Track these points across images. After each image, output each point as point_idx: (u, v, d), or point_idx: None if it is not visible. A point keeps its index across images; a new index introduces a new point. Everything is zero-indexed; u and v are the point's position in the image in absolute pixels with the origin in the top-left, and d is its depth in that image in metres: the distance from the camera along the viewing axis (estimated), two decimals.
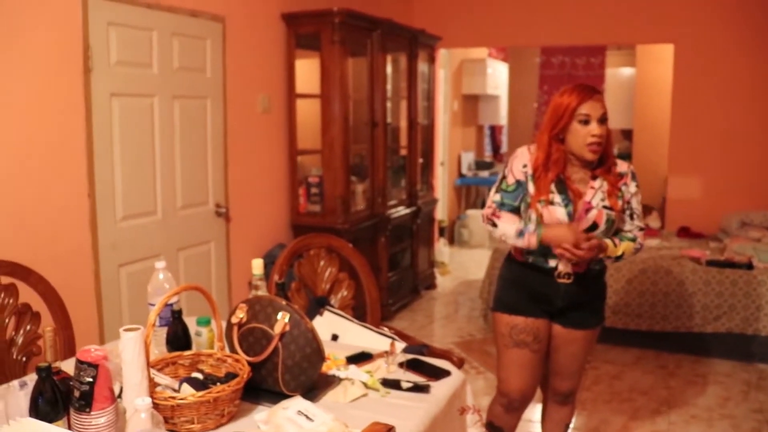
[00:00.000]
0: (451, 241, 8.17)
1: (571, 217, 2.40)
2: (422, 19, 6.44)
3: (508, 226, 2.46)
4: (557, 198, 2.40)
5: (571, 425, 2.87)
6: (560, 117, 2.36)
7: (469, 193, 8.88)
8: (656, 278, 4.65)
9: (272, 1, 4.40)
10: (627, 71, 7.99)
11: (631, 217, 2.52)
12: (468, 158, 8.63)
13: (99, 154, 3.17)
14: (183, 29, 3.61)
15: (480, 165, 8.83)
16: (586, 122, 2.33)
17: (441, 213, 7.68)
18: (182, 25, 3.61)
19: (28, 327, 2.32)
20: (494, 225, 2.49)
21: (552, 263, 2.46)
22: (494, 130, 9.89)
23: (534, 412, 3.18)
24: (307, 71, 4.77)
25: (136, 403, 1.36)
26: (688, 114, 5.94)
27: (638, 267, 4.69)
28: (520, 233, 2.42)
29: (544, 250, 2.44)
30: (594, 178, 2.43)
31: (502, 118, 9.46)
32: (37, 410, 1.50)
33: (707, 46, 5.77)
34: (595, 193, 2.42)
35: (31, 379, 1.59)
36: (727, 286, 4.50)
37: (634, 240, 2.51)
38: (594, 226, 2.41)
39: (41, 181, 2.92)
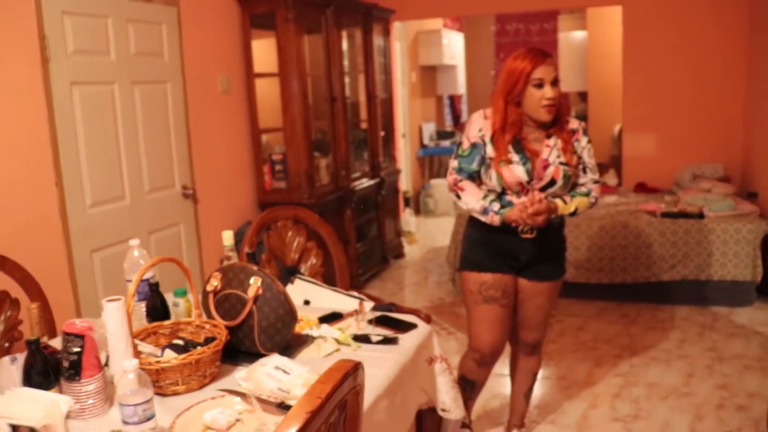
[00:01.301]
0: (417, 211, 8.32)
1: (530, 174, 2.52)
2: None
3: (472, 200, 2.59)
4: (515, 157, 2.53)
5: (539, 374, 3.02)
6: (515, 82, 2.47)
7: (432, 163, 9.01)
8: (614, 233, 4.84)
9: None
10: (579, 35, 8.15)
11: (584, 171, 2.65)
12: (429, 129, 8.75)
13: (63, 143, 3.22)
14: (137, 15, 3.65)
15: (441, 135, 8.96)
16: (540, 86, 2.45)
17: (405, 184, 7.82)
18: (136, 11, 3.64)
19: (9, 313, 2.39)
20: (458, 196, 2.63)
21: None
22: (453, 100, 10.02)
23: (503, 366, 3.34)
24: (264, 51, 4.83)
25: (124, 365, 1.47)
26: (639, 74, 6.11)
27: (597, 223, 4.88)
28: (485, 211, 2.56)
29: (508, 205, 2.57)
30: (548, 137, 2.56)
31: (461, 87, 9.59)
32: (30, 381, 1.60)
33: (654, 6, 5.94)
34: (551, 151, 2.54)
35: (20, 355, 1.69)
36: (680, 236, 4.71)
37: (588, 194, 2.65)
38: (552, 182, 2.54)
39: (8, 173, 2.96)
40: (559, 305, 4.86)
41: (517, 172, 2.51)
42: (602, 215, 4.94)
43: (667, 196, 5.58)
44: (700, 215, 4.79)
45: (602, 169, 6.35)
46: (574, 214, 2.63)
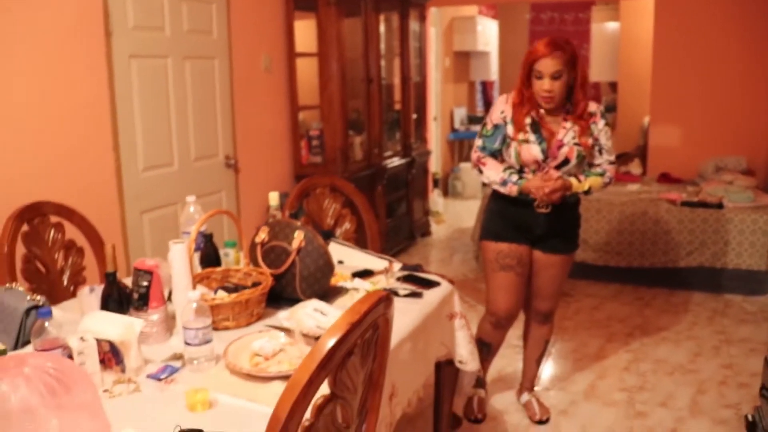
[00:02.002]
0: (446, 193, 8.53)
1: (545, 153, 2.74)
2: None
3: (492, 173, 2.82)
4: (531, 137, 2.75)
5: (551, 344, 3.24)
6: (522, 70, 2.71)
7: (462, 147, 9.21)
8: (634, 219, 5.02)
9: None
10: (612, 26, 8.25)
11: (600, 152, 2.84)
12: (460, 113, 8.94)
13: (121, 112, 3.50)
14: None
15: (472, 120, 9.14)
16: (539, 77, 2.66)
17: (435, 165, 8.03)
18: None
19: (75, 259, 2.68)
20: (480, 171, 2.86)
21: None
22: (485, 86, 10.18)
23: (518, 337, 3.56)
24: (306, 32, 5.07)
25: (189, 295, 1.73)
26: (668, 66, 6.24)
27: (618, 209, 5.06)
28: (504, 182, 2.78)
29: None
30: (566, 119, 2.77)
31: (493, 73, 9.74)
32: (107, 308, 1.87)
33: (686, 0, 6.05)
34: (566, 132, 2.75)
35: (97, 286, 1.96)
36: (698, 224, 4.88)
37: (602, 174, 2.85)
38: (566, 161, 2.76)
39: (72, 137, 3.25)
40: (577, 286, 5.07)
41: (533, 150, 2.72)
42: (623, 202, 5.12)
43: (689, 187, 5.72)
44: (720, 205, 4.94)
45: (627, 158, 6.52)
46: (588, 192, 2.83)
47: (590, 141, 2.78)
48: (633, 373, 3.65)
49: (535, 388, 3.33)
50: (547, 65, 2.64)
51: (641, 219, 5.00)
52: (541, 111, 2.75)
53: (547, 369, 3.71)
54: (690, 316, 4.48)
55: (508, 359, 3.74)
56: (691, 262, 4.91)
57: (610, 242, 5.07)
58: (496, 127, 2.82)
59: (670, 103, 6.31)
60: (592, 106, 2.81)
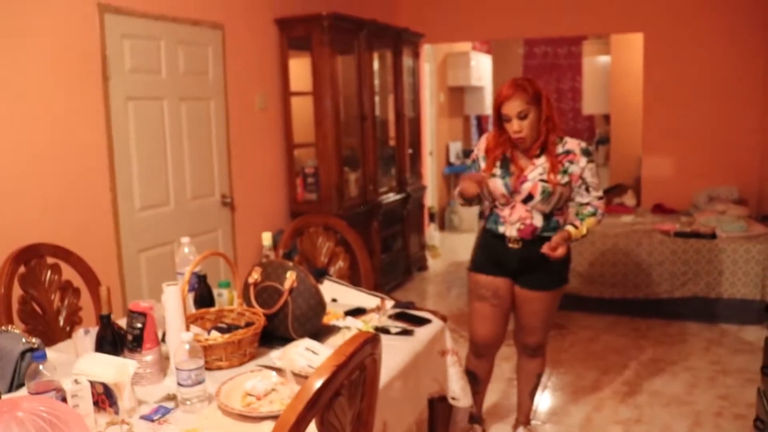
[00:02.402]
0: (442, 227, 8.58)
1: (508, 187, 2.79)
2: (407, 17, 6.83)
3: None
4: (498, 171, 2.82)
5: (546, 377, 3.26)
6: (494, 112, 2.79)
7: (458, 181, 9.26)
8: (628, 250, 5.06)
9: (266, 7, 4.79)
10: (603, 59, 8.37)
11: (587, 190, 2.87)
12: (456, 147, 9.04)
13: (118, 152, 3.56)
14: (187, 37, 4.00)
15: (467, 154, 9.22)
16: (507, 120, 2.72)
17: (431, 200, 8.09)
18: (186, 33, 3.99)
19: (71, 300, 2.71)
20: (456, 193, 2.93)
21: (501, 230, 2.85)
22: (481, 120, 10.29)
23: (513, 370, 3.58)
24: (300, 70, 5.16)
25: (182, 336, 1.76)
26: (659, 98, 6.34)
27: (612, 240, 5.11)
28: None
29: (496, 218, 2.87)
30: (537, 156, 2.81)
31: (488, 107, 9.83)
32: (101, 350, 1.90)
33: (674, 34, 6.17)
34: (535, 169, 2.79)
35: (92, 328, 1.99)
36: (692, 255, 4.92)
37: (594, 213, 2.87)
38: (530, 197, 2.78)
39: (70, 177, 3.31)
40: (572, 318, 5.09)
41: (498, 184, 2.80)
42: (617, 233, 5.16)
43: (683, 217, 5.77)
44: (713, 236, 4.99)
45: (621, 189, 6.58)
46: (585, 236, 2.87)
47: (563, 179, 2.78)
48: (629, 405, 3.66)
49: (531, 422, 3.33)
50: (512, 107, 2.69)
51: (635, 250, 5.04)
52: (516, 149, 2.81)
53: (543, 402, 3.71)
54: (686, 347, 4.49)
55: (504, 393, 3.75)
56: (686, 292, 4.94)
57: (604, 274, 5.10)
58: (473, 161, 2.96)
59: (662, 134, 6.39)
60: (572, 144, 2.83)
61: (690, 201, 6.17)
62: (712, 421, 3.46)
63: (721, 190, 5.98)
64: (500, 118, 2.76)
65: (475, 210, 3.01)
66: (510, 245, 2.85)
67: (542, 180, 2.77)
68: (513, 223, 2.82)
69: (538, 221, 2.82)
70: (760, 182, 5.96)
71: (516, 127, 2.70)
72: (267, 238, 2.47)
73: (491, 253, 2.93)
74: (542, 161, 2.80)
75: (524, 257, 2.86)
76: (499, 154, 2.82)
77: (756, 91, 5.95)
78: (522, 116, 2.69)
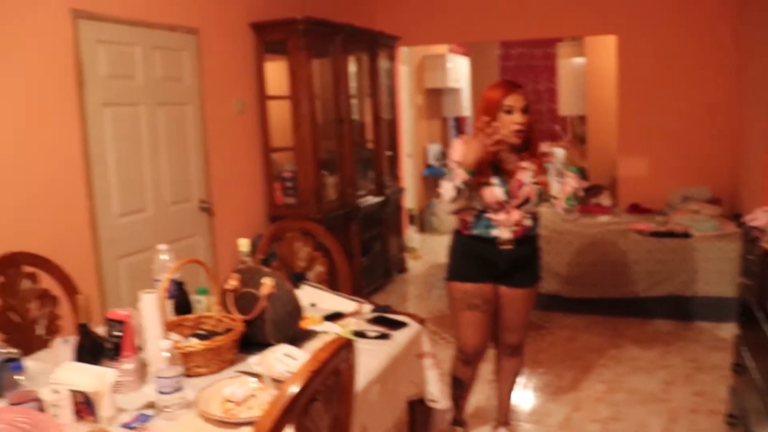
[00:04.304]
0: (422, 229, 8.61)
1: (508, 194, 2.83)
2: (383, 20, 6.86)
3: (445, 183, 2.84)
4: (494, 180, 2.84)
5: (525, 377, 3.30)
6: (489, 107, 2.79)
7: (437, 183, 9.28)
8: (604, 250, 5.13)
9: (241, 12, 4.79)
10: (578, 61, 8.45)
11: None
12: (434, 149, 9.07)
13: (94, 159, 3.55)
14: (162, 43, 3.99)
15: (446, 155, 9.25)
16: (509, 112, 2.76)
17: (410, 202, 8.12)
18: (161, 39, 3.99)
19: (50, 309, 2.70)
20: (439, 195, 2.89)
21: (494, 233, 2.89)
22: (458, 122, 10.35)
23: (490, 371, 3.61)
24: (276, 74, 5.16)
25: (160, 344, 1.77)
26: (633, 99, 6.42)
27: (588, 240, 5.17)
28: (450, 179, 2.80)
29: (487, 223, 2.88)
30: (522, 159, 2.86)
31: (466, 109, 9.90)
32: (80, 359, 1.90)
33: (647, 36, 6.26)
34: (525, 172, 2.85)
35: (71, 337, 2.00)
36: (667, 254, 4.99)
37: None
38: (527, 201, 2.85)
39: (45, 185, 3.29)
40: (551, 318, 5.14)
41: (496, 192, 2.82)
42: (594, 233, 5.23)
43: (658, 217, 5.85)
44: (686, 234, 5.07)
45: (597, 190, 6.64)
46: (584, 177, 2.88)
47: (546, 178, 2.88)
48: (607, 403, 3.71)
49: (511, 422, 3.37)
50: (517, 100, 2.77)
51: (612, 250, 5.11)
52: (500, 154, 2.85)
53: (523, 402, 3.75)
54: (662, 345, 4.56)
55: (484, 394, 3.78)
56: (662, 291, 5.01)
57: (582, 274, 5.16)
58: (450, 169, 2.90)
59: (637, 135, 6.48)
60: (545, 147, 2.94)
61: (665, 201, 6.26)
62: (687, 417, 3.52)
63: (695, 189, 6.08)
64: (492, 119, 2.76)
65: (441, 205, 2.95)
66: (502, 247, 2.89)
67: (534, 183, 2.84)
68: (509, 226, 2.86)
69: (528, 221, 2.90)
70: (733, 182, 6.06)
71: (520, 119, 2.75)
72: (244, 244, 2.48)
73: (478, 259, 2.95)
74: (527, 164, 2.85)
75: (514, 257, 2.91)
76: (489, 161, 2.83)
77: (728, 91, 6.05)
78: (524, 110, 2.77)
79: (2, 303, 2.53)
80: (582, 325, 5.02)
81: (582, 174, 2.86)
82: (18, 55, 3.15)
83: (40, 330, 2.64)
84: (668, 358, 4.34)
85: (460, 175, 2.74)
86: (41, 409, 1.63)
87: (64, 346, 1.95)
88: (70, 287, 2.75)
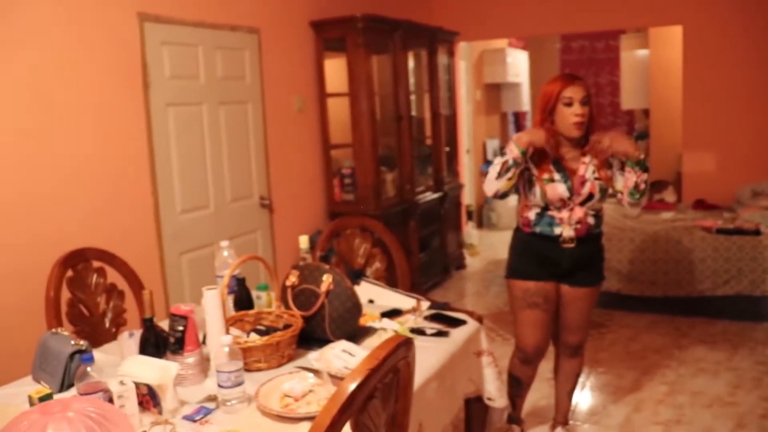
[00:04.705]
0: (480, 224, 8.56)
1: (571, 191, 2.78)
2: (441, 15, 6.84)
3: (493, 166, 2.80)
4: (557, 176, 2.80)
5: (585, 377, 3.24)
6: (548, 101, 2.76)
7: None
8: (668, 247, 5.00)
9: (301, 10, 4.85)
10: (642, 53, 8.24)
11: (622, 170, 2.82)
12: (493, 144, 9.00)
13: (159, 157, 3.65)
14: (224, 43, 4.07)
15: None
16: (569, 104, 2.72)
17: (468, 198, 8.07)
18: (223, 39, 4.06)
19: (116, 302, 2.79)
20: (487, 183, 2.84)
21: (557, 231, 2.85)
22: (518, 116, 10.23)
23: (551, 370, 3.57)
24: (336, 72, 5.20)
25: (221, 339, 1.82)
26: (699, 92, 6.23)
27: (651, 238, 5.05)
28: (502, 155, 2.76)
29: (550, 221, 2.84)
30: (584, 155, 2.81)
31: (525, 104, 9.78)
32: (145, 352, 1.96)
33: (713, 26, 6.06)
34: (587, 168, 2.80)
35: (136, 331, 2.06)
36: (734, 252, 4.83)
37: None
38: (591, 196, 2.80)
39: (113, 183, 3.41)
40: (612, 317, 5.05)
41: (559, 189, 2.77)
42: (657, 230, 5.10)
43: (726, 213, 5.66)
44: (757, 232, 4.89)
45: (661, 185, 6.48)
46: (643, 165, 2.72)
47: (609, 173, 2.82)
48: (669, 405, 3.62)
49: (570, 422, 3.32)
50: (576, 91, 2.72)
51: (676, 247, 4.97)
52: (562, 149, 2.80)
53: (582, 402, 3.70)
54: (729, 346, 4.42)
55: (542, 393, 3.74)
56: (729, 290, 4.86)
57: (644, 272, 5.04)
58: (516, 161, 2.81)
59: (703, 128, 6.28)
60: (595, 135, 2.83)
61: (733, 196, 6.05)
62: (756, 422, 3.41)
63: (765, 185, 5.85)
64: (551, 112, 2.74)
65: (513, 206, 2.92)
66: (565, 245, 2.84)
67: (596, 178, 2.79)
68: (572, 224, 2.82)
69: (591, 219, 2.85)
70: None
71: (579, 110, 2.71)
72: (304, 241, 2.51)
73: (540, 257, 2.91)
74: (589, 159, 2.80)
75: (576, 256, 2.87)
76: (551, 157, 2.79)
77: None
78: (584, 102, 2.73)
79: (72, 296, 2.63)
80: (644, 324, 4.91)
81: (642, 167, 2.75)
82: (87, 58, 3.26)
83: (107, 323, 2.73)
84: (735, 360, 4.20)
85: (512, 150, 2.71)
86: (110, 400, 1.69)
87: (129, 339, 2.02)
88: (135, 282, 2.84)
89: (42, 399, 1.79)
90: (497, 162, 2.78)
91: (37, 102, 3.06)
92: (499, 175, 2.76)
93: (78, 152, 3.23)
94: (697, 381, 3.91)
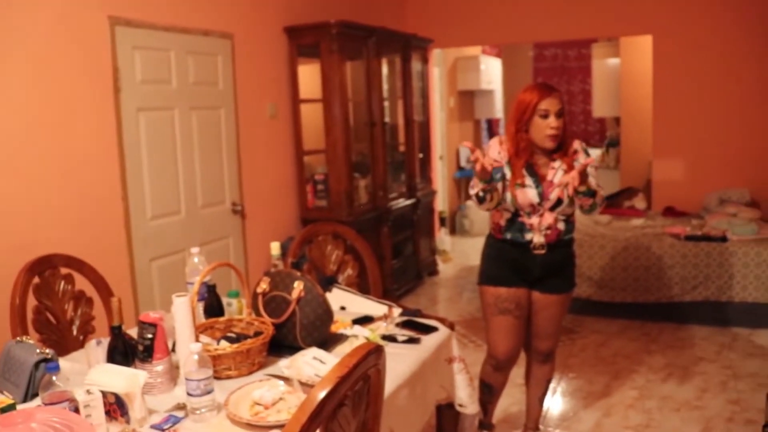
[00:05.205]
0: (453, 231, 8.59)
1: (541, 196, 2.81)
2: (416, 22, 6.87)
3: (473, 195, 2.80)
4: (528, 181, 2.81)
5: (556, 383, 3.27)
6: (524, 112, 2.77)
7: (468, 185, 9.27)
8: (638, 254, 5.06)
9: (275, 16, 4.84)
10: (613, 62, 8.35)
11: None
12: (466, 152, 9.03)
13: (130, 162, 3.61)
14: (197, 48, 4.05)
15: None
16: (545, 116, 2.73)
17: (441, 204, 8.10)
18: (196, 44, 4.04)
19: (84, 310, 2.75)
20: (474, 197, 2.81)
21: (527, 237, 2.87)
22: (491, 124, 10.30)
23: (522, 375, 3.59)
24: (309, 77, 5.20)
25: (191, 347, 1.80)
26: (669, 100, 6.32)
27: (622, 244, 5.10)
28: (477, 192, 2.74)
29: (521, 227, 2.86)
30: (553, 160, 2.83)
31: (498, 111, 9.84)
32: (113, 360, 1.94)
33: (683, 36, 6.15)
34: (555, 173, 2.82)
35: (104, 339, 2.03)
36: (702, 258, 4.91)
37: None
38: (559, 202, 2.81)
39: (83, 188, 3.36)
40: (583, 322, 5.09)
41: (529, 194, 2.79)
42: (627, 237, 5.16)
43: (694, 220, 5.74)
44: (723, 239, 4.97)
45: (631, 192, 6.56)
46: (590, 193, 2.67)
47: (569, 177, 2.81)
48: (639, 410, 3.66)
49: (541, 428, 3.34)
50: (553, 103, 2.73)
51: (645, 254, 5.04)
52: (534, 156, 2.82)
53: (553, 407, 3.72)
54: (697, 351, 4.48)
55: (513, 398, 3.76)
56: (697, 296, 4.93)
57: (615, 278, 5.10)
58: (495, 169, 2.80)
59: (673, 136, 6.38)
60: (576, 144, 2.89)
61: (701, 204, 6.15)
62: (722, 426, 3.46)
63: (733, 192, 5.95)
64: (527, 121, 2.75)
65: (486, 213, 2.92)
66: (535, 252, 2.86)
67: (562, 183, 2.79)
68: (541, 230, 2.83)
69: (561, 225, 2.87)
70: None
71: (555, 123, 2.72)
72: (275, 247, 2.50)
73: (511, 263, 2.92)
74: (558, 164, 2.82)
75: (547, 262, 2.88)
76: (524, 162, 2.81)
77: (767, 92, 5.93)
78: (559, 114, 2.74)
79: (39, 304, 2.58)
80: (614, 329, 4.96)
81: (586, 194, 2.67)
82: (57, 61, 3.22)
83: (74, 331, 2.69)
84: (702, 365, 4.26)
85: (477, 185, 2.73)
86: (75, 410, 1.67)
87: (97, 347, 1.99)
88: (104, 289, 2.80)
89: (4, 410, 1.75)
90: (473, 193, 2.78)
91: (4, 106, 3.01)
92: (481, 203, 2.78)
93: (47, 156, 3.19)
94: (665, 386, 3.96)
